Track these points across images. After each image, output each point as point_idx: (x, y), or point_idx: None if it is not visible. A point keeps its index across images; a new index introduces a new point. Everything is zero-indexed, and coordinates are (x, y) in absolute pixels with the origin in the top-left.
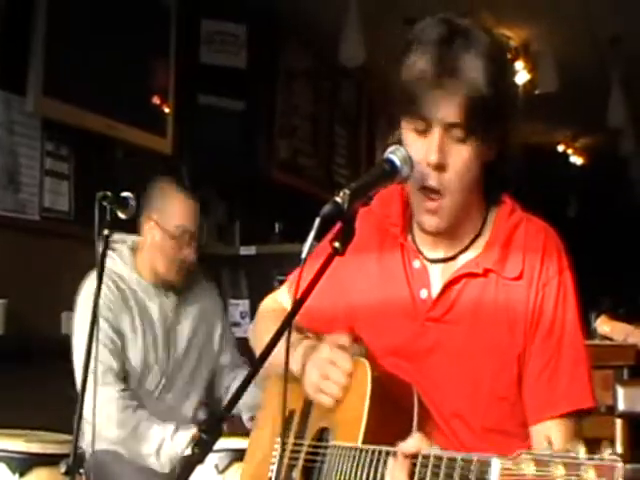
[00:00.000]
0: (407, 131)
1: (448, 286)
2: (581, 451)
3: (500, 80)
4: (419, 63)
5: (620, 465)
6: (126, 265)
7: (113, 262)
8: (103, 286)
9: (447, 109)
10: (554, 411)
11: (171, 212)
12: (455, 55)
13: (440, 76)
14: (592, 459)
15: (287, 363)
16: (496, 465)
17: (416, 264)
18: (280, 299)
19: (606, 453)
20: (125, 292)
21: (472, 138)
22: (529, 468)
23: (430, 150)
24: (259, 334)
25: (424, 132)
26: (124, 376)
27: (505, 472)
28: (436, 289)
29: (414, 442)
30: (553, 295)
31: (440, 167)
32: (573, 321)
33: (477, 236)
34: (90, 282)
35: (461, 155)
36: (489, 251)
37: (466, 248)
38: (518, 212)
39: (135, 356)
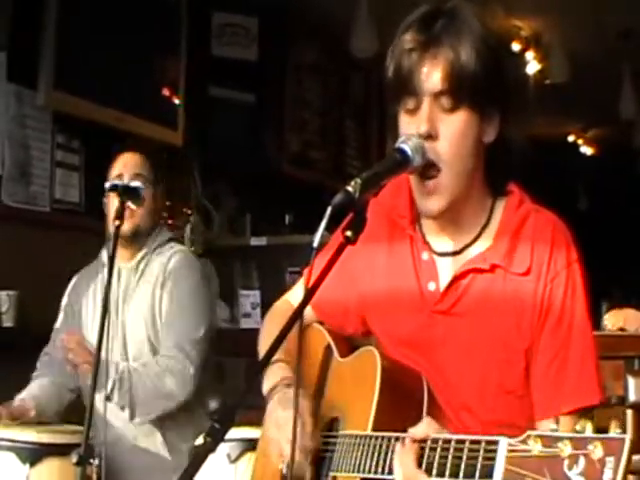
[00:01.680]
0: (402, 116)
1: (456, 280)
2: (588, 429)
3: (490, 57)
4: (403, 40)
5: (629, 439)
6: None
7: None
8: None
9: (432, 78)
10: (561, 408)
11: (111, 171)
12: (438, 27)
13: (422, 47)
14: (599, 435)
15: (300, 354)
16: (503, 443)
17: (424, 256)
18: (292, 299)
19: (614, 430)
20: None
21: (461, 108)
22: (536, 446)
23: (420, 121)
24: (263, 338)
25: (415, 110)
26: None
27: (512, 449)
28: (444, 282)
29: (423, 427)
30: (562, 288)
31: (431, 137)
32: (582, 314)
33: (484, 227)
34: (74, 279)
35: (452, 124)
36: (497, 244)
37: (474, 240)
38: (527, 204)
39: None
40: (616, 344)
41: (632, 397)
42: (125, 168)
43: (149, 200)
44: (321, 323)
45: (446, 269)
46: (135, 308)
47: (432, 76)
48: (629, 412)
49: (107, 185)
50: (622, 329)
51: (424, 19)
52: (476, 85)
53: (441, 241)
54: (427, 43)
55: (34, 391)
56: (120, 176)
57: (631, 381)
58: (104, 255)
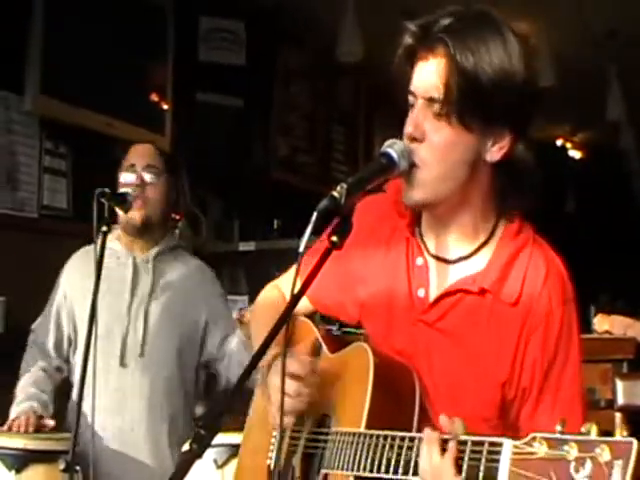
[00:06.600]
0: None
1: (444, 296)
2: (594, 432)
3: (498, 70)
4: (406, 38)
5: (636, 444)
6: (111, 241)
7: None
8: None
9: (427, 82)
10: None
11: (124, 163)
12: (440, 30)
13: (423, 48)
14: (606, 439)
15: (285, 353)
16: (508, 445)
17: (419, 261)
18: (282, 285)
19: (620, 434)
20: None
21: (452, 118)
22: (541, 448)
23: (409, 121)
24: (255, 323)
25: (412, 109)
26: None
27: (516, 452)
28: (433, 290)
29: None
30: (557, 325)
31: (416, 139)
32: (575, 355)
33: (482, 246)
34: (70, 262)
35: (441, 132)
36: (489, 270)
37: (469, 255)
38: (525, 233)
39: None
40: (604, 347)
41: (620, 400)
42: (138, 159)
43: (159, 190)
44: (307, 317)
45: (438, 277)
46: (161, 311)
47: (427, 80)
48: (617, 415)
49: (97, 191)
50: (607, 332)
51: (428, 20)
52: (475, 101)
53: (437, 245)
54: (426, 44)
55: (28, 390)
56: (133, 166)
57: (619, 384)
58: (115, 245)
